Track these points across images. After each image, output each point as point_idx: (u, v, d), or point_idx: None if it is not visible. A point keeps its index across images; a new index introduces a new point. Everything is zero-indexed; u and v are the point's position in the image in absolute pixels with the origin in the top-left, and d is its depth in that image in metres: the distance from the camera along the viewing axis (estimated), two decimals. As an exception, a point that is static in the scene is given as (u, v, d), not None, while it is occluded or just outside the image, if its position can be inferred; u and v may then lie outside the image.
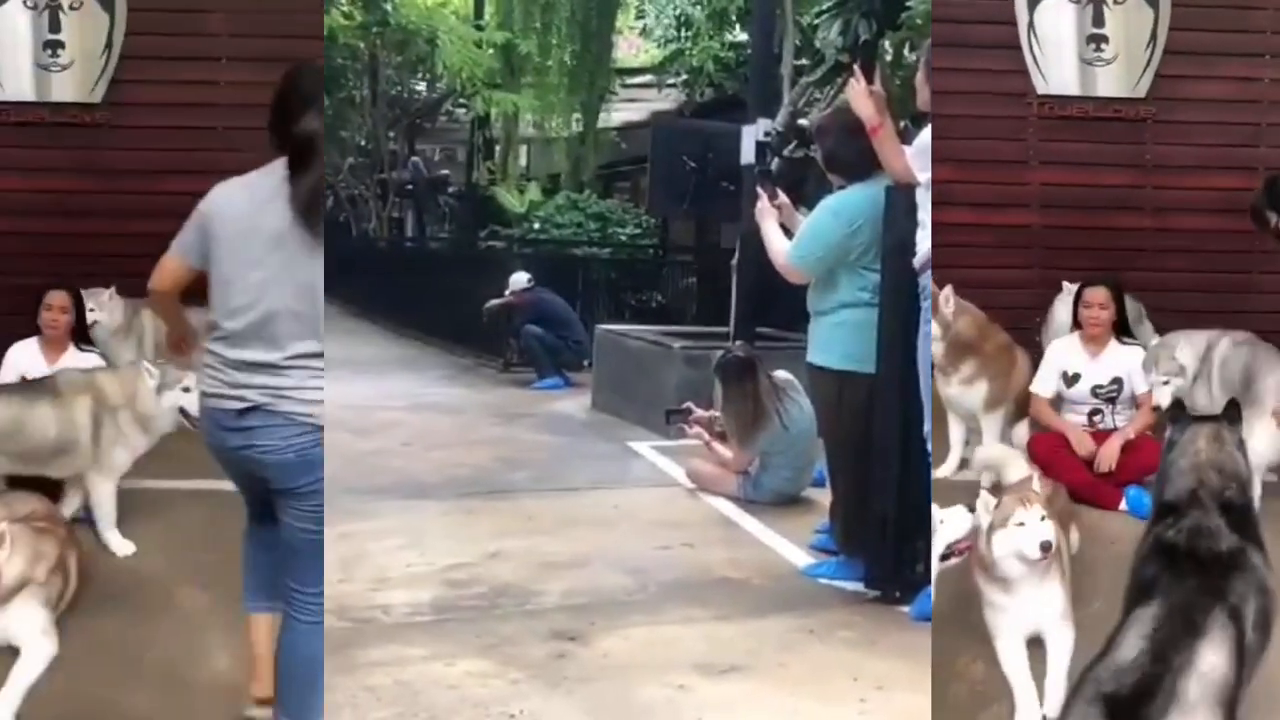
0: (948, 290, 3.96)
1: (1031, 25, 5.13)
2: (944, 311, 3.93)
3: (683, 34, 12.95)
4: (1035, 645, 2.72)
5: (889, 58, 8.08)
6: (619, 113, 14.69)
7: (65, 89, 5.07)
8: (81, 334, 4.08)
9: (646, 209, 11.32)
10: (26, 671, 2.79)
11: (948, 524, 2.88)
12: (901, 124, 3.93)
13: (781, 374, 5.03)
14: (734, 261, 6.80)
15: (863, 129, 3.55)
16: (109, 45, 5.06)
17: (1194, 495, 2.06)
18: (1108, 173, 5.16)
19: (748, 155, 6.35)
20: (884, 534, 3.59)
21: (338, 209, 17.12)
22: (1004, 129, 5.21)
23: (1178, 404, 3.32)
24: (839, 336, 3.69)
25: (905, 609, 3.47)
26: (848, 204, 3.67)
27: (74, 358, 3.95)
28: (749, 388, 4.90)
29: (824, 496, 4.24)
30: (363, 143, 16.14)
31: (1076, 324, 3.99)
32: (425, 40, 14.69)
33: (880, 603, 3.56)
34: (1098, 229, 5.07)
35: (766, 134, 6.41)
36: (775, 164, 6.45)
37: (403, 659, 3.04)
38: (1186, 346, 3.83)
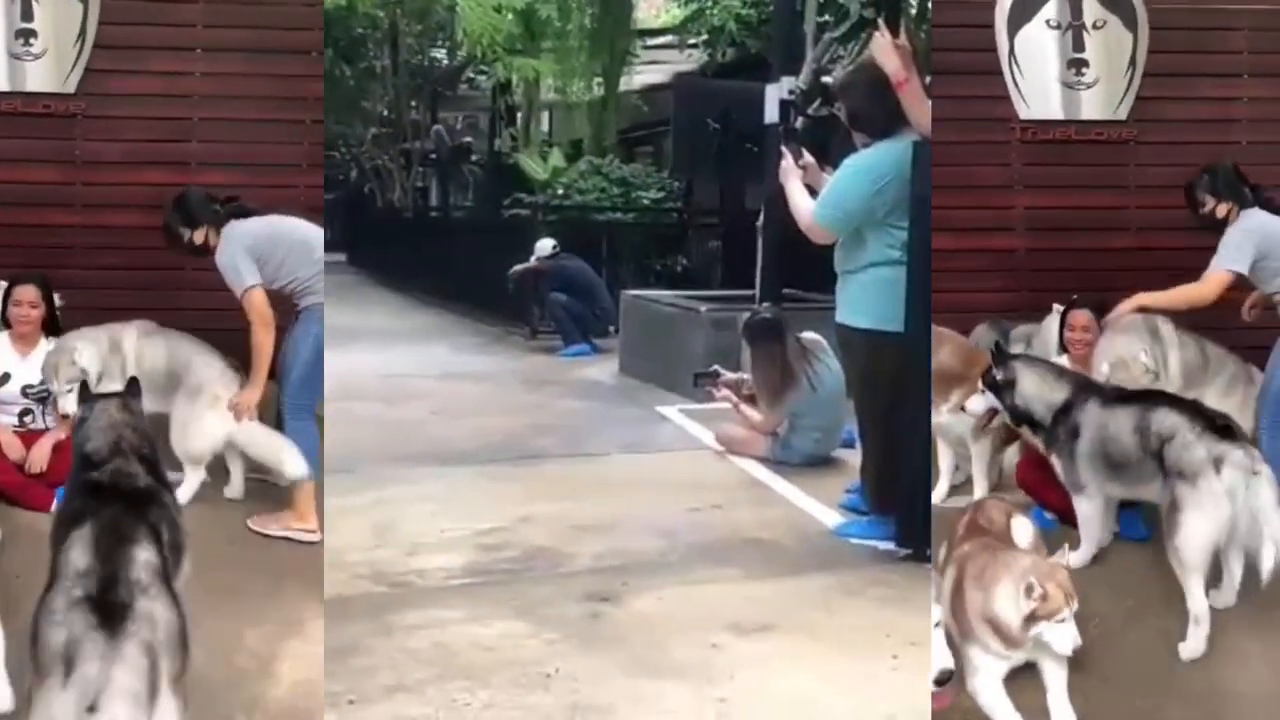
0: None
1: (1012, 51, 5.18)
2: None
3: (703, -8, 12.78)
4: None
5: (913, 11, 7.97)
6: (640, 75, 14.56)
7: (38, 78, 5.02)
8: (53, 325, 4.06)
9: (670, 172, 11.25)
10: None
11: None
12: (927, 79, 3.87)
13: (809, 335, 5.01)
14: (759, 223, 6.76)
15: (887, 85, 3.51)
16: (82, 34, 5.03)
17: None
18: (1092, 195, 5.22)
19: (771, 115, 6.28)
20: (914, 492, 3.59)
21: (362, 180, 17.17)
22: (988, 154, 5.26)
23: None
24: (868, 295, 3.67)
25: (937, 566, 3.49)
26: (873, 161, 3.63)
27: (47, 349, 3.96)
28: (777, 349, 4.90)
29: (854, 457, 4.25)
30: (385, 113, 16.13)
31: (1064, 347, 3.90)
32: (445, 7, 14.61)
33: (911, 561, 3.57)
34: (1083, 250, 5.13)
35: (790, 92, 6.33)
36: (800, 123, 6.40)
37: (440, 621, 3.09)
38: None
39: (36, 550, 3.18)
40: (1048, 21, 5.17)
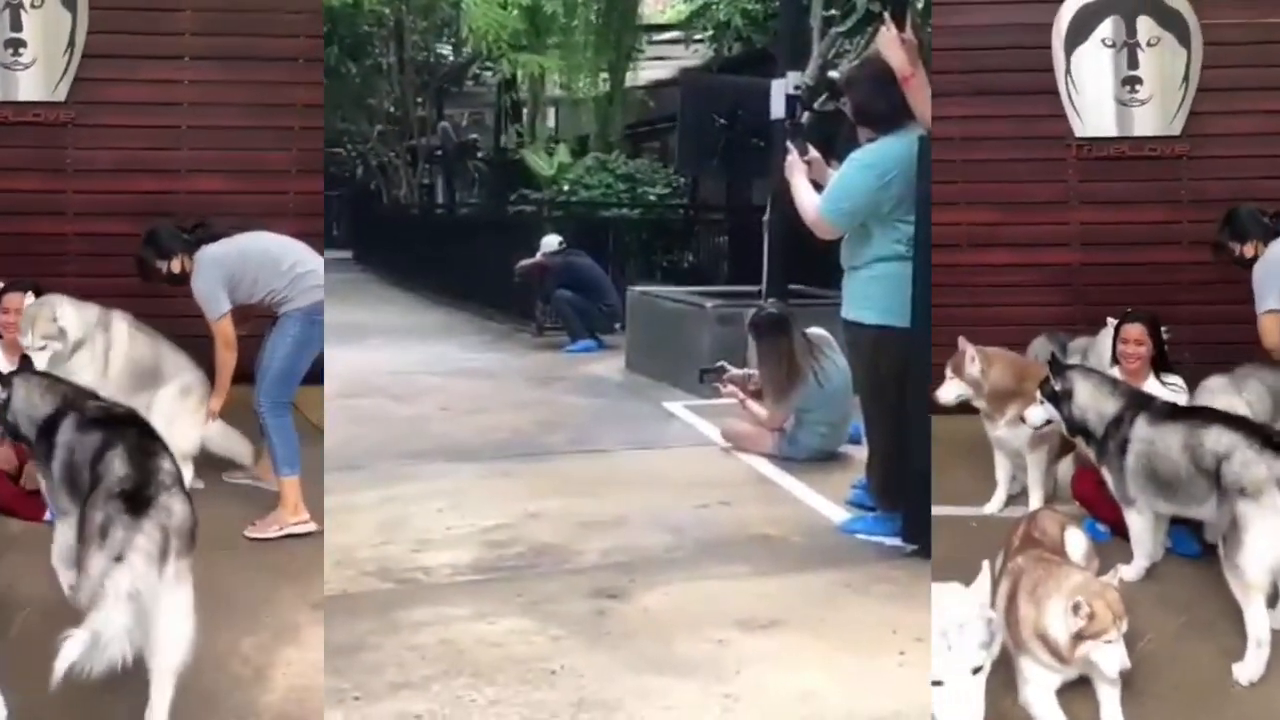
0: (970, 350, 3.86)
1: (1069, 70, 5.28)
2: (970, 371, 3.86)
3: (709, -13, 12.75)
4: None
5: (919, 5, 7.94)
6: (646, 71, 14.54)
7: (28, 88, 5.07)
8: None
9: (676, 168, 11.24)
10: None
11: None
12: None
13: (816, 330, 5.01)
14: (765, 218, 6.74)
15: (893, 79, 3.50)
16: (71, 44, 5.06)
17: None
18: (1146, 209, 5.29)
19: (777, 110, 6.26)
20: (921, 488, 3.58)
21: (368, 176, 17.19)
22: (1044, 171, 5.35)
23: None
24: (873, 291, 3.66)
25: (944, 562, 3.48)
26: (878, 156, 3.62)
27: None
28: (783, 345, 4.89)
29: (860, 452, 4.24)
30: (391, 109, 16.13)
31: (1116, 360, 3.86)
32: (450, 4, 14.62)
33: (917, 556, 3.56)
34: (1138, 264, 5.21)
35: (796, 88, 6.31)
36: (806, 118, 6.37)
37: (446, 618, 3.09)
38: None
39: (29, 561, 3.22)
40: (1103, 40, 5.29)
